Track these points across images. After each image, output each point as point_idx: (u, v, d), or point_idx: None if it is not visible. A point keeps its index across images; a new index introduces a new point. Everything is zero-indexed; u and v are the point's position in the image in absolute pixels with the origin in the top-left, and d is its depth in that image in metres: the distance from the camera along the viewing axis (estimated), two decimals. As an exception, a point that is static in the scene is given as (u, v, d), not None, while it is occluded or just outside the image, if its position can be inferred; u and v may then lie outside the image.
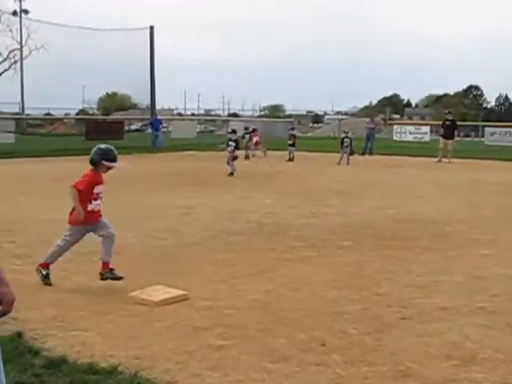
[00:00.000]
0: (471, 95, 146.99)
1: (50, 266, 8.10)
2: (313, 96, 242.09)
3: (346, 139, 30.43)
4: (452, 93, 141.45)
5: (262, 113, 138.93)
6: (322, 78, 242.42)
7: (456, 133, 33.92)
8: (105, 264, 7.94)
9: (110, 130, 40.28)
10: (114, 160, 8.01)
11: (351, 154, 30.42)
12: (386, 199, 16.97)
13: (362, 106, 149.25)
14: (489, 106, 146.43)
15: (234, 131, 25.95)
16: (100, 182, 8.04)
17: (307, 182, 21.66)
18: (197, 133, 52.42)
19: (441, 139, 33.65)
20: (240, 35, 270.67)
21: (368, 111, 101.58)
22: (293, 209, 14.80)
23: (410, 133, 55.55)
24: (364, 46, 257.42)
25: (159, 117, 45.17)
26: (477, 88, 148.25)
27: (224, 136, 33.42)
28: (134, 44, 41.49)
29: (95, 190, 7.96)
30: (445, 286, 8.34)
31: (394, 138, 54.82)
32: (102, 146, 8.14)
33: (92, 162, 8.00)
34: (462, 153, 34.17)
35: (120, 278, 7.93)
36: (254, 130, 34.61)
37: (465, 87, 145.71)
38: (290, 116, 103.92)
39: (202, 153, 36.67)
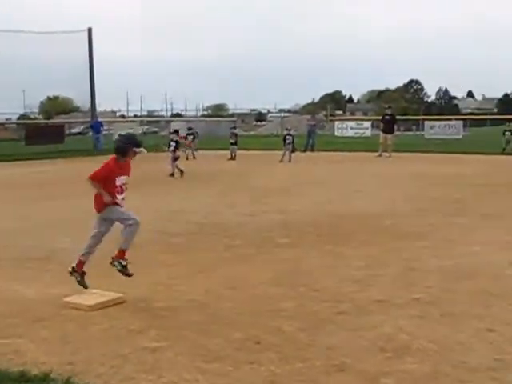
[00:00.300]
0: (412, 90, 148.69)
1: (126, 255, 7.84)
2: (256, 94, 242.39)
3: (288, 136, 30.60)
4: (393, 88, 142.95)
5: (206, 112, 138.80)
6: (265, 76, 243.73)
7: (395, 127, 34.30)
8: (79, 263, 7.89)
9: (50, 134, 39.92)
10: (140, 145, 7.85)
11: (293, 151, 30.56)
12: (327, 195, 17.08)
13: (304, 103, 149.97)
14: (429, 100, 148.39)
15: (175, 131, 25.83)
16: (122, 172, 7.73)
17: (248, 180, 21.68)
18: (139, 134, 52.11)
19: (381, 134, 34.01)
20: (182, 35, 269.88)
21: (310, 108, 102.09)
22: (233, 208, 14.80)
23: (352, 128, 55.91)
24: (306, 44, 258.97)
25: (100, 119, 44.78)
26: (417, 82, 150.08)
27: (167, 136, 33.42)
28: (74, 46, 41.05)
29: (118, 182, 7.64)
30: (381, 279, 8.42)
31: (336, 133, 55.12)
32: (123, 133, 7.99)
33: (119, 150, 7.72)
34: (402, 146, 34.57)
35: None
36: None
37: (406, 82, 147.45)
38: (232, 115, 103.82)
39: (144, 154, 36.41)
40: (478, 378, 5.25)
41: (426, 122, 55.75)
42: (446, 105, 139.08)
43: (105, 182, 7.55)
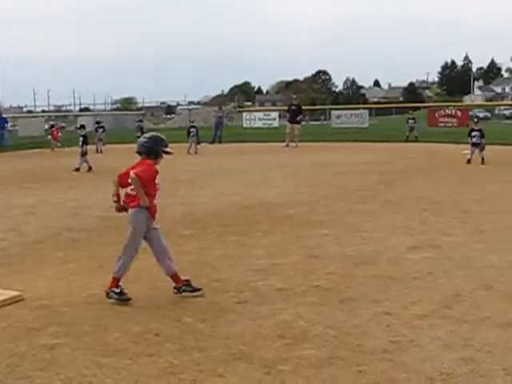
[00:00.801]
0: (320, 80, 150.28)
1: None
2: (166, 87, 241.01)
3: (192, 129, 30.86)
4: (301, 78, 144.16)
5: (115, 106, 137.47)
6: (175, 69, 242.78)
7: (301, 117, 34.61)
8: (175, 277, 7.38)
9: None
10: (168, 145, 7.46)
11: (198, 142, 30.63)
12: (233, 186, 17.14)
13: (214, 95, 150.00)
14: (337, 90, 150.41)
15: (82, 126, 25.51)
16: (158, 172, 7.41)
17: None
18: (45, 130, 51.24)
19: (287, 124, 34.29)
20: (91, 28, 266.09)
21: (219, 100, 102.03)
22: (138, 201, 14.66)
23: (260, 119, 56.05)
24: (217, 36, 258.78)
25: (4, 115, 43.78)
26: (325, 73, 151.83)
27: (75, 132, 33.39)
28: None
29: (157, 180, 7.37)
30: (283, 267, 8.50)
31: (244, 125, 55.20)
32: (151, 135, 7.50)
33: (152, 153, 7.32)
34: (309, 136, 34.93)
35: (199, 290, 7.34)
36: (52, 126, 34.94)
37: (314, 72, 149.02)
38: (141, 108, 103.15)
39: (50, 150, 35.88)
40: (373, 361, 5.38)
41: (332, 112, 56.51)
42: (353, 94, 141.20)
43: (148, 183, 7.29)
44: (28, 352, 5.71)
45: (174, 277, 7.38)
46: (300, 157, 26.62)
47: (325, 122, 62.86)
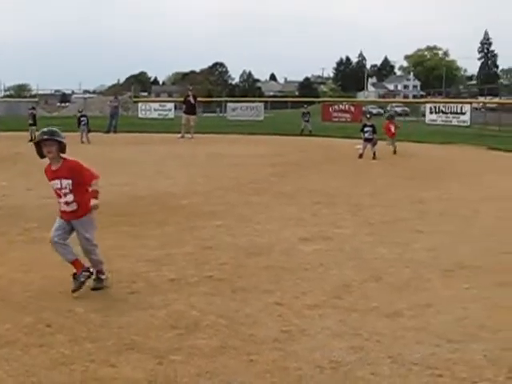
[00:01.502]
0: (217, 72, 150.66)
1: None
2: (61, 74, 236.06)
3: (83, 118, 30.78)
4: (198, 70, 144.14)
5: (8, 93, 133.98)
6: (69, 57, 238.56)
7: (197, 108, 34.69)
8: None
9: None
10: (39, 138, 6.95)
11: (89, 131, 30.52)
12: (126, 176, 17.00)
13: (109, 84, 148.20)
14: (234, 83, 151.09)
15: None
16: (54, 176, 7.06)
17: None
18: None
19: (183, 115, 34.29)
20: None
21: (115, 89, 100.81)
22: (30, 190, 14.39)
23: (155, 110, 55.77)
24: (110, 25, 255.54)
25: None
26: (222, 65, 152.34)
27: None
28: None
29: (53, 187, 7.10)
30: (176, 258, 8.52)
31: (140, 115, 54.81)
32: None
33: None
34: (205, 128, 34.98)
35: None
36: None
37: (210, 64, 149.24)
38: (35, 96, 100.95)
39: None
40: (264, 350, 5.47)
41: (228, 104, 56.78)
42: (249, 87, 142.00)
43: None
44: None
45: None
46: (195, 148, 26.65)
47: (220, 114, 62.99)
